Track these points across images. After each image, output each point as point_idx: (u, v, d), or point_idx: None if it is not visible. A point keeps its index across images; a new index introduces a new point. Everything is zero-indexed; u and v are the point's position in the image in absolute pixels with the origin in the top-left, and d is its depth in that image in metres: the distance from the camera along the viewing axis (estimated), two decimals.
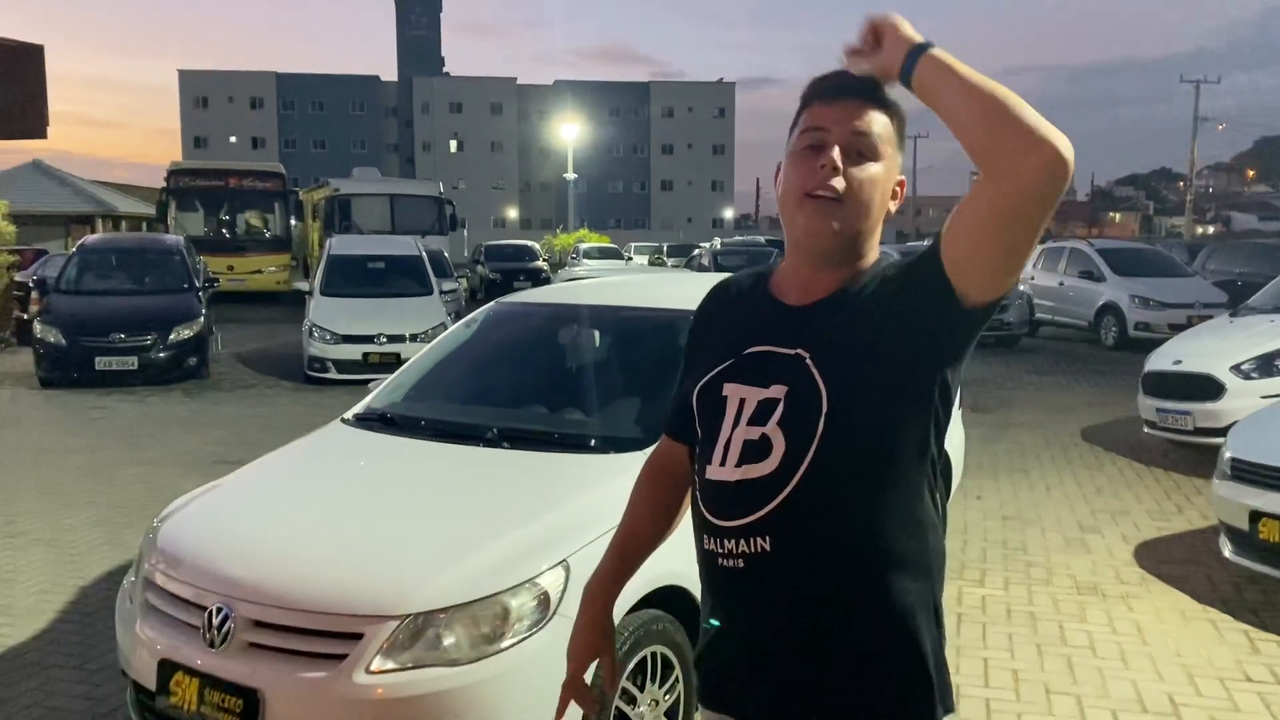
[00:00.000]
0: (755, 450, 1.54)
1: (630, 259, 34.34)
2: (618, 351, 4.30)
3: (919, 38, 1.45)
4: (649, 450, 3.45)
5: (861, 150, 1.54)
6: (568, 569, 2.93)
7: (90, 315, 12.26)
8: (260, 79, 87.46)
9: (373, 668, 2.71)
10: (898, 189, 1.60)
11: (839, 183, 1.52)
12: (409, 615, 2.75)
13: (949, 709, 1.58)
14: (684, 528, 3.37)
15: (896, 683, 1.54)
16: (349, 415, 4.12)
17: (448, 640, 2.76)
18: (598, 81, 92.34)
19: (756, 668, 1.60)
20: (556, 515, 3.10)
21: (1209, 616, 4.87)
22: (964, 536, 6.08)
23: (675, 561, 3.30)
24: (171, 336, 12.30)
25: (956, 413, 5.81)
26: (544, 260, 31.02)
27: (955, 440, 5.67)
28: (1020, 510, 6.69)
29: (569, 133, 49.36)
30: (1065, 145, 1.35)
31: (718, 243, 29.11)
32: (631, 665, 3.09)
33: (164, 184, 25.15)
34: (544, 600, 2.86)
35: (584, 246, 33.84)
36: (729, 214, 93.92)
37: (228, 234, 25.38)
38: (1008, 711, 3.90)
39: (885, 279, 1.54)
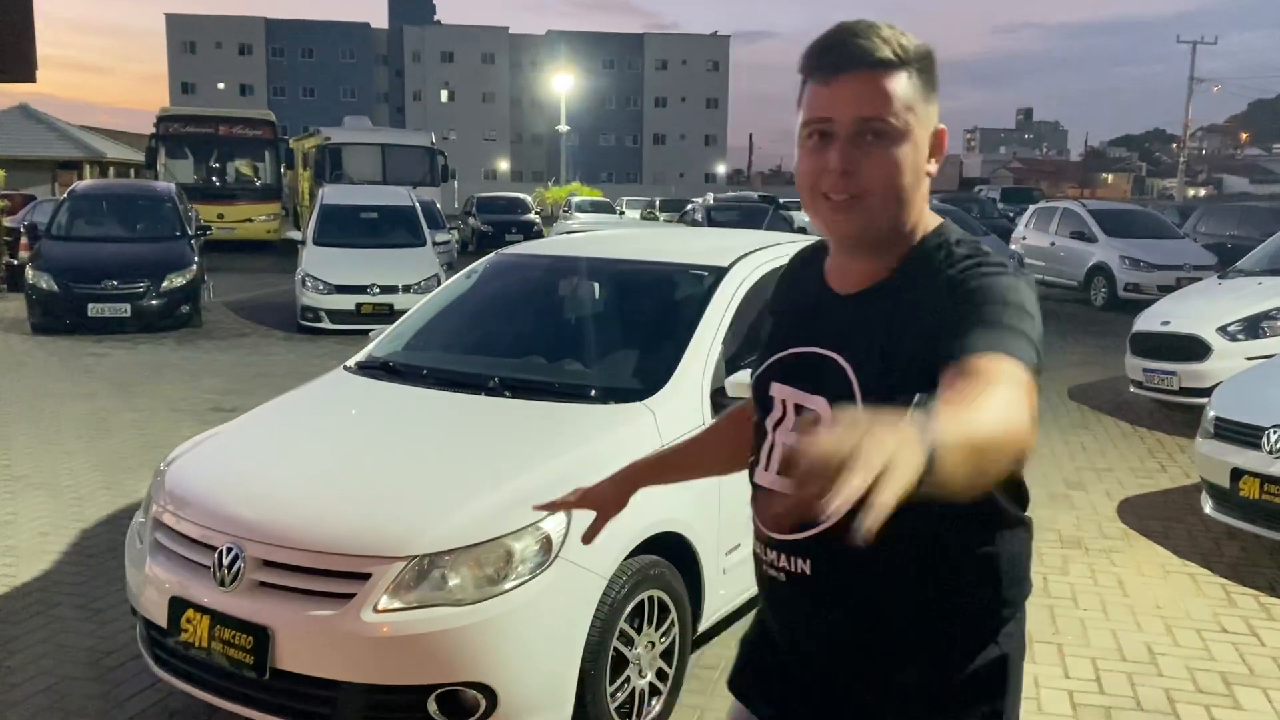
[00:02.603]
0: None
1: (623, 213, 34.23)
2: (617, 304, 4.34)
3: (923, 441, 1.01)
4: (647, 402, 3.54)
5: (874, 132, 1.34)
6: (569, 514, 3.01)
7: (82, 262, 12.23)
8: (249, 24, 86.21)
9: (380, 606, 2.80)
10: (936, 145, 1.40)
11: (851, 185, 1.35)
12: (416, 556, 2.83)
13: None
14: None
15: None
16: (351, 363, 4.17)
17: (453, 581, 2.85)
18: (591, 32, 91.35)
19: (790, 681, 1.57)
20: (558, 462, 3.17)
21: (1188, 570, 4.99)
22: None
23: (675, 509, 3.40)
24: (164, 284, 12.29)
25: None
26: (536, 213, 30.90)
27: None
28: None
29: (562, 84, 48.94)
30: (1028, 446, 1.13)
31: (711, 198, 28.99)
32: (629, 608, 3.18)
33: (154, 130, 24.90)
34: (546, 544, 2.94)
35: (576, 200, 33.71)
36: (722, 169, 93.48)
37: (218, 182, 25.21)
38: None
39: (937, 286, 1.34)
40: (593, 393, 3.58)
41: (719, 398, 3.66)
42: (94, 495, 5.92)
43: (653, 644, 3.34)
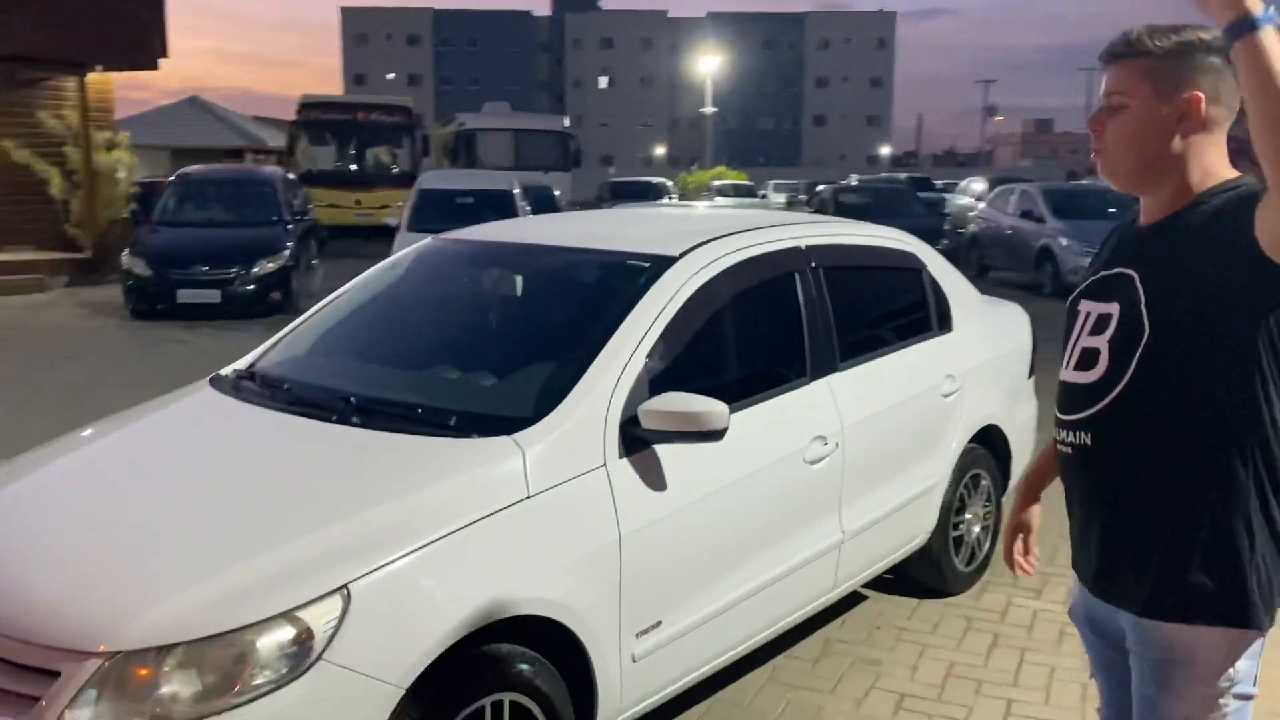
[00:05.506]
0: (1088, 359, 1.83)
1: (765, 196, 33.02)
2: (536, 303, 3.50)
3: (1246, 9, 1.42)
4: (519, 436, 2.68)
5: (1112, 106, 1.79)
6: (347, 598, 2.19)
7: (176, 247, 12.21)
8: (417, 15, 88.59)
9: (67, 719, 2.06)
10: (1183, 113, 1.74)
11: (1100, 141, 1.82)
12: (115, 653, 2.08)
13: (1251, 625, 1.74)
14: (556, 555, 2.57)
15: (1188, 585, 1.74)
16: (226, 371, 3.49)
17: (164, 689, 2.08)
18: (751, 13, 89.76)
19: (1083, 539, 1.92)
20: (352, 524, 2.35)
21: None
22: None
23: (538, 585, 2.51)
24: (254, 269, 12.12)
25: (1028, 382, 4.79)
26: (673, 197, 30.12)
27: (1023, 416, 4.65)
28: None
29: (708, 65, 48.01)
30: None
31: (854, 179, 27.51)
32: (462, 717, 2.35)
33: (295, 117, 25.35)
34: (304, 639, 2.14)
35: (717, 184, 32.76)
36: (885, 151, 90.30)
37: (356, 168, 25.45)
38: None
39: (1215, 212, 1.68)
40: (453, 421, 2.74)
41: (631, 428, 2.77)
42: None
43: None
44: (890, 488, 3.77)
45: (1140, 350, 1.73)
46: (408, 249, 3.93)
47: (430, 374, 3.24)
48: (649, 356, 2.91)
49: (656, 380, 2.90)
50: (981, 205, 19.29)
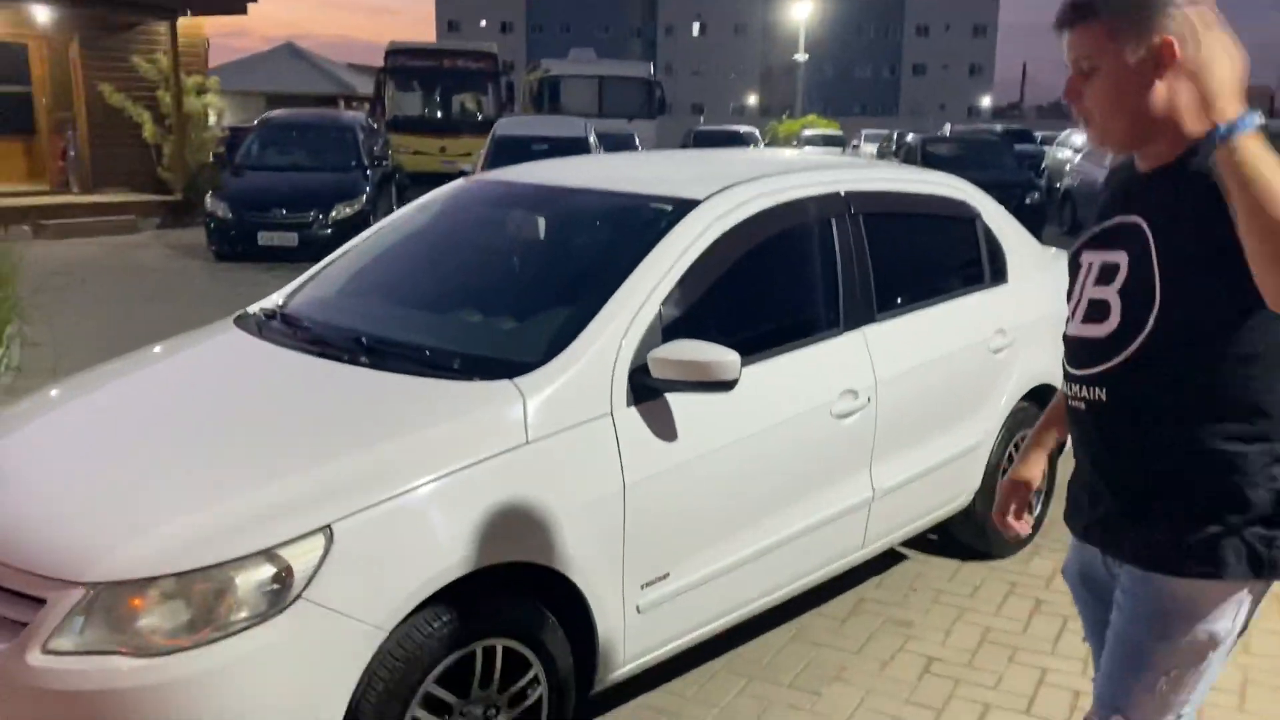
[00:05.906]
0: (1096, 311, 1.75)
1: (857, 146, 32.21)
2: (558, 246, 3.42)
3: (1229, 115, 1.49)
4: (520, 380, 2.62)
5: (1084, 70, 1.71)
6: (330, 538, 2.17)
7: (257, 191, 12.41)
8: None
9: (51, 646, 2.09)
10: (1158, 60, 1.63)
11: (1082, 107, 1.73)
12: (97, 583, 2.09)
13: (1265, 576, 1.70)
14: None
15: (1206, 538, 1.69)
16: (253, 309, 3.49)
17: (143, 620, 2.09)
18: None
19: (1090, 496, 1.85)
20: (340, 464, 2.32)
21: None
22: None
23: (535, 534, 2.47)
24: (332, 214, 12.27)
25: None
26: (760, 147, 29.60)
27: None
28: None
29: (802, 11, 46.83)
30: None
31: (947, 128, 26.61)
32: (444, 665, 2.33)
33: (382, 64, 25.53)
34: (285, 577, 2.13)
35: (807, 134, 32.10)
36: (987, 101, 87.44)
37: (441, 115, 25.57)
38: None
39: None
40: (456, 364, 2.69)
41: (640, 377, 2.68)
42: None
43: (495, 709, 2.47)
44: (929, 445, 3.62)
45: (1157, 301, 1.65)
46: (440, 189, 3.86)
47: (446, 316, 3.20)
48: (666, 303, 2.82)
49: (674, 328, 2.80)
50: (1078, 159, 18.49)
